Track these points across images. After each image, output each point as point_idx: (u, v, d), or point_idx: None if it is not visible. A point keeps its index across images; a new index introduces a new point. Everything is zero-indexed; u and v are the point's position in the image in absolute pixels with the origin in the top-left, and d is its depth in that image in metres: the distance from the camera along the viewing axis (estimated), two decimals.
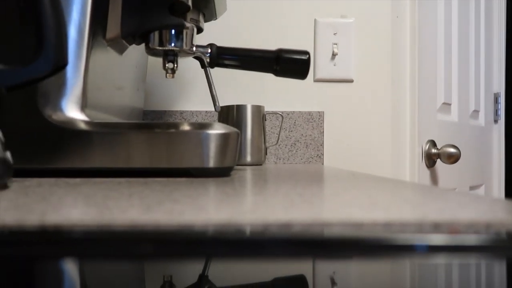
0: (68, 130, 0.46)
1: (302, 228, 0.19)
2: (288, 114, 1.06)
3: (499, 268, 0.19)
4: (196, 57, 0.64)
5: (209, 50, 0.62)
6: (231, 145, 0.49)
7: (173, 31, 0.60)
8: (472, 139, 1.39)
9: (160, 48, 0.60)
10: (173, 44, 0.60)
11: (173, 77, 0.63)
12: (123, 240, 0.18)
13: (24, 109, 0.46)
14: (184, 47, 0.61)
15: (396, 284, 0.19)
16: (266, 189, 0.35)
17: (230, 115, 0.88)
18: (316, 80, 1.07)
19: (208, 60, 0.63)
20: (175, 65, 0.63)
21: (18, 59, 0.46)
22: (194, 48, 0.62)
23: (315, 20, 1.06)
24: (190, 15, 0.61)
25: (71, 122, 0.47)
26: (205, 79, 0.66)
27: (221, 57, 0.62)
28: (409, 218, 0.21)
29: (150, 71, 0.94)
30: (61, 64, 0.37)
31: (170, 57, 0.62)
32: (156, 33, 0.60)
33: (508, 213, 0.22)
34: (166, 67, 0.63)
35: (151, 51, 0.62)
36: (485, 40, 1.47)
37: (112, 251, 0.18)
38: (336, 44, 1.06)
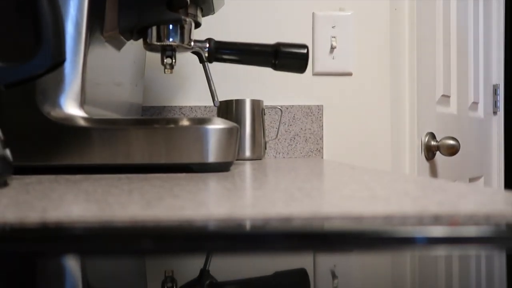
0: (67, 126, 0.46)
1: (302, 222, 0.19)
2: (287, 108, 1.05)
3: (499, 260, 0.19)
4: (194, 52, 0.64)
5: (208, 45, 0.62)
6: (230, 140, 0.49)
7: (171, 26, 0.60)
8: (471, 131, 1.39)
9: (158, 43, 0.60)
10: (171, 39, 0.60)
11: (171, 72, 0.63)
12: (124, 236, 0.18)
13: (23, 106, 0.46)
14: (182, 42, 0.61)
15: (396, 277, 0.19)
16: (266, 183, 0.35)
17: (229, 110, 0.88)
18: (315, 74, 1.07)
19: (206, 55, 0.63)
20: (174, 60, 0.63)
21: (16, 56, 0.46)
22: (192, 43, 0.62)
23: (313, 13, 1.06)
24: (187, 10, 0.61)
25: (70, 118, 0.46)
26: (204, 74, 0.65)
27: (220, 51, 0.62)
28: (409, 210, 0.21)
29: (149, 66, 0.94)
30: (59, 60, 0.36)
31: (168, 52, 0.62)
32: (154, 28, 0.60)
33: (507, 204, 0.22)
34: (165, 63, 0.62)
35: (149, 47, 0.61)
36: (483, 31, 1.46)
37: (113, 247, 0.18)
38: (334, 37, 1.06)
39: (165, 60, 0.62)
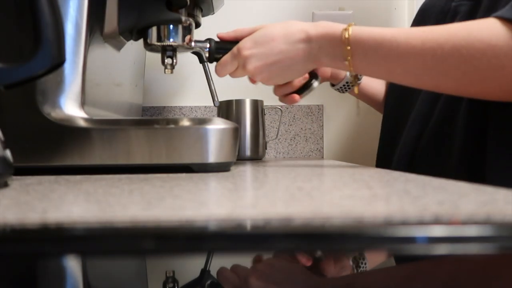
0: (67, 127, 0.46)
1: (303, 222, 0.19)
2: (287, 108, 1.05)
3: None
4: (194, 52, 0.64)
5: (208, 45, 0.62)
6: (230, 140, 0.49)
7: (171, 26, 0.60)
8: None
9: (159, 43, 0.60)
10: (171, 40, 0.60)
11: (171, 72, 0.63)
12: (124, 236, 0.18)
13: (23, 107, 0.46)
14: (183, 42, 0.61)
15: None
16: (266, 183, 0.35)
17: (230, 110, 0.87)
18: None
19: (207, 55, 0.63)
20: (174, 61, 0.63)
21: (16, 56, 0.46)
22: (193, 43, 0.62)
23: (313, 13, 1.06)
24: (187, 10, 0.61)
25: (70, 119, 0.46)
26: (204, 74, 0.65)
27: (220, 51, 0.62)
28: (409, 210, 0.21)
29: (148, 66, 0.94)
30: (59, 61, 0.36)
31: (169, 52, 0.62)
32: (154, 29, 0.60)
33: (508, 203, 0.22)
34: (165, 63, 0.62)
35: (149, 47, 0.61)
36: None
37: (113, 247, 0.18)
38: None
39: (165, 61, 0.62)
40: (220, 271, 0.19)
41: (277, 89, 0.67)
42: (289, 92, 0.67)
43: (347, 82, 0.76)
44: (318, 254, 0.19)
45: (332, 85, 0.78)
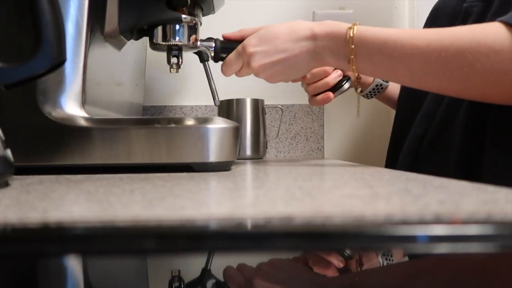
0: (68, 127, 0.46)
1: (303, 221, 0.19)
2: (288, 107, 1.05)
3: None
4: (195, 52, 0.64)
5: (213, 45, 0.62)
6: (231, 139, 0.49)
7: (177, 26, 0.60)
8: None
9: (164, 43, 0.60)
10: (177, 39, 0.60)
11: (177, 71, 0.64)
12: (125, 236, 0.18)
13: (24, 106, 0.46)
14: (188, 41, 0.61)
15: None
16: (267, 182, 0.35)
17: (230, 109, 0.87)
18: None
19: (212, 54, 0.63)
20: (180, 60, 0.63)
21: (16, 56, 0.46)
22: (199, 43, 0.62)
23: (313, 12, 1.06)
24: (187, 9, 0.61)
25: (71, 118, 0.47)
26: (204, 73, 0.65)
27: (225, 51, 0.62)
28: (410, 209, 0.21)
29: (149, 66, 0.94)
30: (59, 60, 0.36)
31: (175, 52, 0.62)
32: (160, 28, 0.60)
33: (509, 202, 0.22)
34: (171, 62, 0.63)
35: (155, 46, 0.62)
36: None
37: (114, 247, 0.18)
38: None
39: (171, 60, 0.63)
40: (226, 270, 0.19)
41: (311, 86, 0.67)
42: (323, 90, 0.66)
43: (376, 86, 0.76)
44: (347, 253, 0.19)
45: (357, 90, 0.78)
